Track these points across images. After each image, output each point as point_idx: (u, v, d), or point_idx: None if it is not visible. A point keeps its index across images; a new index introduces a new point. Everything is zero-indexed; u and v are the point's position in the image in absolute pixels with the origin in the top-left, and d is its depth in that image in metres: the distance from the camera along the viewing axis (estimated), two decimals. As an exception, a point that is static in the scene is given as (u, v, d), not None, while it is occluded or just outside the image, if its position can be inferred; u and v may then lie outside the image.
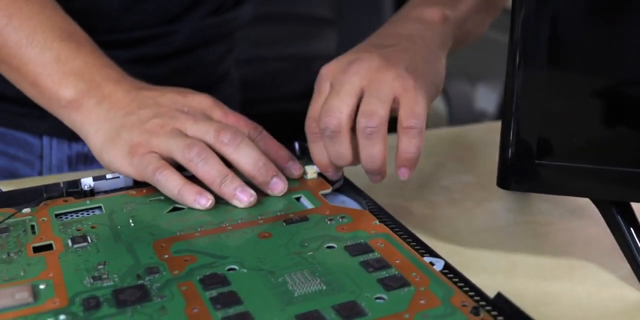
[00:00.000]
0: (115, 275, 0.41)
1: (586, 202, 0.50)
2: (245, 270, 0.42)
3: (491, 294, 0.39)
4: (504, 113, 0.47)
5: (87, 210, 0.49)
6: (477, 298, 0.40)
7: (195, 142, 0.50)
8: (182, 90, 0.56)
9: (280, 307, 0.38)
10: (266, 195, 0.51)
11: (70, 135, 0.67)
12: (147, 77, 0.57)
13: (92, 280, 0.41)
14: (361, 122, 0.49)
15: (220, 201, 0.50)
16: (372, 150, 0.49)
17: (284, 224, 0.47)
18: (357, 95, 0.50)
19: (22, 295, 0.39)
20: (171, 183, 0.49)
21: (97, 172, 0.53)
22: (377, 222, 0.47)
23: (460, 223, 0.56)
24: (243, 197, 0.49)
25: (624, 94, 0.45)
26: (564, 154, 0.47)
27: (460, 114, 1.22)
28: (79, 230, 0.46)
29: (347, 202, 0.52)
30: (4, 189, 0.51)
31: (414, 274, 0.41)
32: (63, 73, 0.54)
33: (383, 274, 0.41)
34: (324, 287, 0.40)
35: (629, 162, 0.46)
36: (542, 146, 0.47)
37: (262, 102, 1.08)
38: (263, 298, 0.39)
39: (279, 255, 0.43)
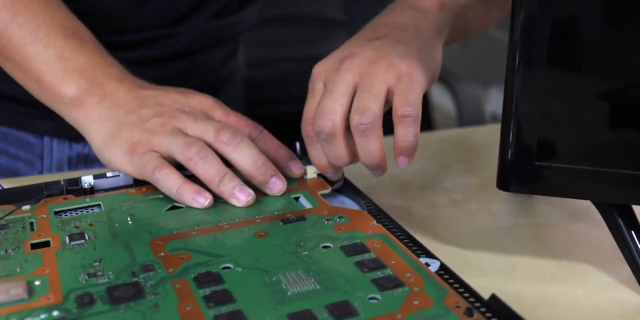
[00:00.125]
0: (111, 273, 0.41)
1: (588, 204, 0.49)
2: (239, 269, 0.42)
3: (488, 295, 0.39)
4: (503, 114, 0.47)
5: (86, 208, 0.50)
6: (472, 299, 0.39)
7: (194, 141, 0.50)
8: (184, 91, 0.56)
9: (272, 306, 0.38)
10: (265, 194, 0.51)
11: (70, 136, 0.68)
12: (150, 79, 0.57)
13: (87, 277, 0.41)
14: (354, 119, 0.48)
15: (218, 200, 0.50)
16: (369, 146, 0.49)
17: (281, 223, 0.47)
18: (351, 92, 0.49)
19: (16, 291, 0.39)
20: (170, 182, 0.49)
21: (98, 172, 0.53)
22: (374, 222, 0.47)
23: (460, 224, 0.56)
24: (241, 196, 0.49)
25: (625, 95, 0.44)
26: (564, 156, 0.46)
27: (470, 116, 1.21)
28: (77, 227, 0.47)
29: (347, 203, 0.52)
30: (5, 187, 0.51)
31: (409, 274, 0.41)
32: (66, 71, 0.55)
33: (378, 274, 0.41)
34: (318, 287, 0.40)
35: (631, 164, 0.45)
36: (542, 148, 0.46)
37: (271, 103, 1.08)
38: (256, 297, 0.39)
39: (274, 254, 0.43)
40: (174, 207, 0.49)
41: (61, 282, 0.40)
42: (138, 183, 0.52)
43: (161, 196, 0.51)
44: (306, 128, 0.52)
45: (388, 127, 0.50)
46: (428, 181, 0.63)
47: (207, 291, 0.39)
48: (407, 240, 0.46)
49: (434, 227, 0.56)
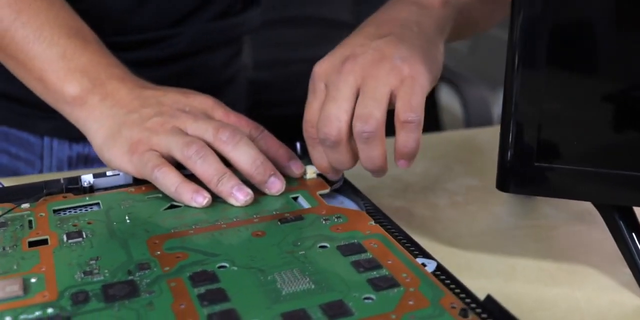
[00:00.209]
0: (107, 271, 0.41)
1: (591, 206, 0.49)
2: (235, 268, 0.42)
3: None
4: (503, 115, 0.47)
5: (85, 206, 0.50)
6: (467, 300, 0.39)
7: (194, 140, 0.50)
8: (185, 91, 0.56)
9: (267, 305, 0.38)
10: (264, 194, 0.51)
11: (71, 136, 0.68)
12: (150, 80, 0.57)
13: (82, 275, 0.41)
14: (357, 126, 0.48)
15: (217, 199, 0.50)
16: (371, 153, 0.49)
17: (279, 223, 0.47)
18: (354, 96, 0.49)
19: (12, 288, 0.39)
20: (169, 180, 0.49)
21: (98, 171, 0.53)
22: (372, 222, 0.47)
23: (461, 226, 0.56)
24: (240, 196, 0.49)
25: (625, 96, 0.44)
26: (564, 157, 0.46)
27: (478, 118, 1.20)
28: (75, 225, 0.47)
29: (346, 203, 0.52)
30: (6, 185, 0.52)
31: (405, 274, 0.41)
32: (68, 69, 0.55)
33: (373, 274, 0.41)
34: (313, 286, 0.40)
35: (631, 165, 0.45)
36: (542, 148, 0.46)
37: (279, 104, 1.08)
38: (251, 296, 0.39)
39: (270, 253, 0.43)
40: (172, 206, 0.49)
41: (57, 280, 0.41)
42: (138, 182, 0.52)
43: (160, 195, 0.51)
44: (308, 130, 0.51)
45: (389, 128, 0.50)
46: (430, 182, 0.63)
47: (202, 290, 0.39)
48: (404, 241, 0.45)
49: (435, 228, 0.55)
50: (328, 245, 0.44)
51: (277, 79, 1.09)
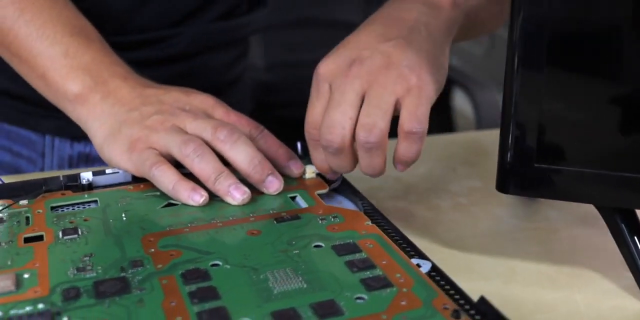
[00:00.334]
0: (100, 267, 0.41)
1: (595, 210, 0.48)
2: (228, 266, 0.41)
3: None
4: (503, 116, 0.46)
5: (83, 203, 0.50)
6: (462, 301, 0.39)
7: (192, 138, 0.50)
8: (186, 90, 0.56)
9: (257, 303, 0.38)
10: (263, 194, 0.51)
11: (73, 135, 0.68)
12: (152, 80, 0.57)
13: (75, 271, 0.41)
14: (361, 135, 0.47)
15: (214, 198, 0.49)
16: (372, 162, 0.49)
17: (275, 222, 0.47)
18: (359, 102, 0.48)
19: (4, 283, 0.39)
20: (166, 178, 0.49)
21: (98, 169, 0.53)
22: (369, 222, 0.47)
23: (463, 228, 0.55)
24: (236, 194, 0.49)
25: (626, 96, 0.43)
26: (564, 158, 0.45)
27: (489, 120, 1.20)
28: (71, 222, 0.47)
29: (344, 203, 0.52)
30: (6, 182, 0.52)
31: (399, 275, 0.41)
32: (71, 67, 0.55)
33: (367, 274, 0.41)
34: (305, 286, 0.39)
35: (633, 167, 0.44)
36: (542, 149, 0.45)
37: (289, 106, 1.08)
38: (242, 294, 0.39)
39: (264, 252, 0.43)
40: (169, 205, 0.49)
41: (49, 276, 0.40)
42: (137, 180, 0.52)
43: (158, 193, 0.50)
44: (310, 131, 0.50)
45: (390, 131, 0.49)
46: (433, 184, 0.62)
47: (193, 287, 0.39)
48: (401, 241, 0.45)
49: (436, 229, 0.55)
50: (323, 244, 0.44)
51: (288, 81, 1.09)
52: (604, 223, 0.48)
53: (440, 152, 0.69)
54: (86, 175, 0.52)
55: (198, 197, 0.48)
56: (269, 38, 1.08)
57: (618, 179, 0.45)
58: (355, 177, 0.54)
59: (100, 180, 0.52)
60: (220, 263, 0.42)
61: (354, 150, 0.49)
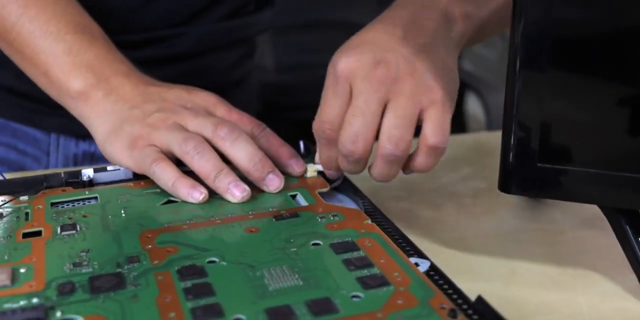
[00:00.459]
0: (96, 263, 0.41)
1: (600, 211, 0.48)
2: (225, 263, 0.41)
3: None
4: (505, 116, 0.46)
5: (82, 200, 0.50)
6: (459, 301, 0.38)
7: (192, 135, 0.50)
8: (189, 88, 0.56)
9: (252, 300, 0.38)
10: (263, 192, 0.50)
11: (77, 134, 0.68)
12: (156, 79, 0.57)
13: (72, 267, 0.41)
14: (387, 148, 0.47)
15: (214, 196, 0.49)
16: (389, 172, 0.48)
17: (274, 220, 0.46)
18: (382, 110, 0.47)
19: (0, 277, 0.39)
20: (166, 175, 0.49)
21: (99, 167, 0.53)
22: (368, 221, 0.46)
23: (466, 228, 0.55)
24: (236, 192, 0.48)
25: (627, 97, 0.43)
26: (567, 158, 0.45)
27: (500, 123, 1.19)
28: (70, 218, 0.47)
29: (345, 202, 0.51)
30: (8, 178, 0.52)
31: (396, 273, 0.40)
32: (74, 65, 0.55)
33: (364, 272, 0.40)
34: (301, 283, 0.39)
35: (636, 167, 0.44)
36: (544, 150, 0.45)
37: (299, 108, 1.07)
38: (237, 291, 0.38)
39: (262, 250, 0.43)
40: (169, 202, 0.49)
41: (46, 271, 0.40)
42: (138, 177, 0.52)
43: (158, 190, 0.50)
44: (324, 130, 0.49)
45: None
46: (437, 184, 0.62)
47: (189, 284, 0.39)
48: (400, 240, 0.45)
49: (438, 230, 0.54)
50: (321, 242, 0.43)
51: (298, 83, 1.09)
52: (608, 225, 0.47)
53: (446, 152, 0.68)
54: (87, 172, 0.52)
55: (197, 195, 0.48)
56: (279, 39, 1.08)
57: (620, 179, 0.44)
58: (356, 176, 0.54)
59: (101, 177, 0.52)
60: (216, 260, 0.41)
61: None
